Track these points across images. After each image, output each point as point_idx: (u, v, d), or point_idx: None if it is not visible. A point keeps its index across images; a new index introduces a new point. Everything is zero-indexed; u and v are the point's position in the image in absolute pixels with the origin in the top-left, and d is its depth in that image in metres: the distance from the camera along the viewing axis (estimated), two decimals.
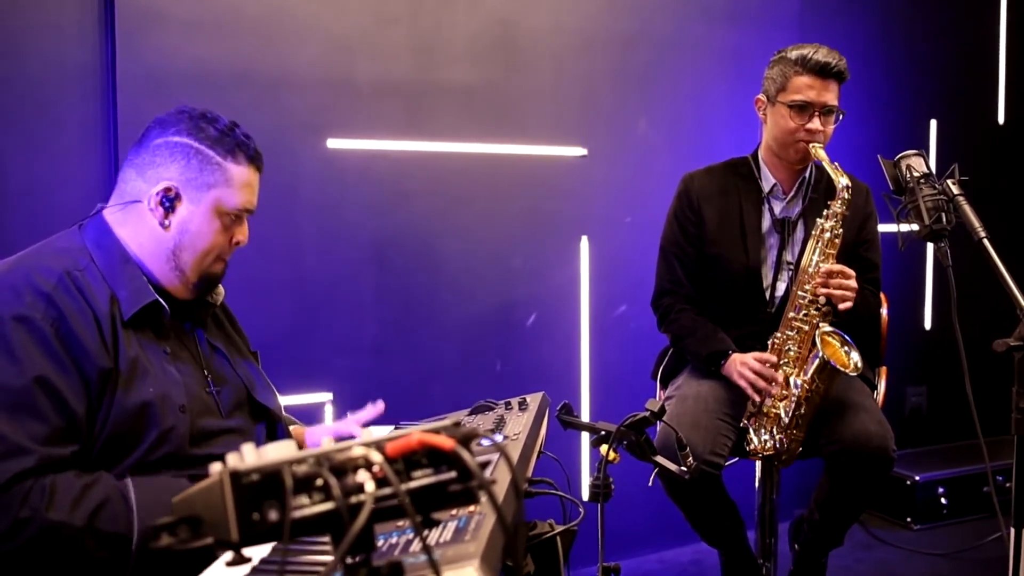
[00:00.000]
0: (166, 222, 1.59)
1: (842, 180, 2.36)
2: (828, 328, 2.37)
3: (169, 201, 1.58)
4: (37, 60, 2.46)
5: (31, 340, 1.42)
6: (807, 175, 2.58)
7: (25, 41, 2.44)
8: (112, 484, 1.43)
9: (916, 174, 2.16)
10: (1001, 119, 4.44)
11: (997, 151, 4.41)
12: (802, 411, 2.36)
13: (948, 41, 4.26)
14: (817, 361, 2.32)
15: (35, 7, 2.45)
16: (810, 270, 2.37)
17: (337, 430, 1.92)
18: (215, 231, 1.62)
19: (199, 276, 1.64)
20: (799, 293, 2.38)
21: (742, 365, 2.39)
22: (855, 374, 2.33)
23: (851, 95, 3.91)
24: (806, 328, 2.38)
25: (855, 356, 2.34)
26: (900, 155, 2.24)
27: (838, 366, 2.30)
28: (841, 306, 2.33)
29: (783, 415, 2.37)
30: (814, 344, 2.35)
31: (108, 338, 1.49)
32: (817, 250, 2.38)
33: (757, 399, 2.39)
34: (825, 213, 2.39)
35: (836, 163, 2.40)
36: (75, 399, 1.43)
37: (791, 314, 2.40)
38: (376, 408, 1.91)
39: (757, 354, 2.40)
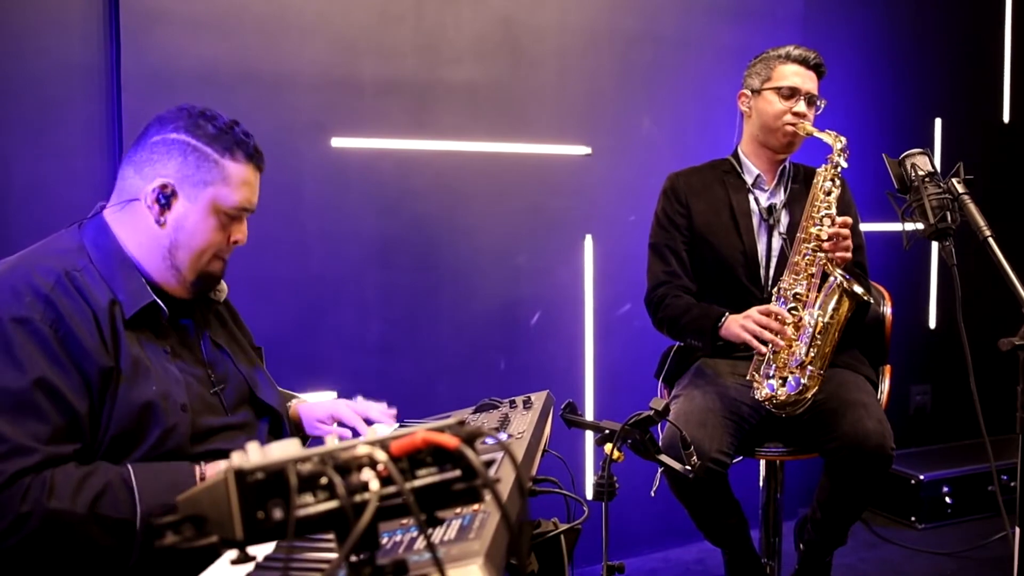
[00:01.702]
0: (162, 219, 1.58)
1: (841, 138, 2.49)
2: (838, 269, 2.42)
3: (165, 198, 1.57)
4: (41, 59, 2.46)
5: (31, 341, 1.42)
6: (787, 166, 2.68)
7: (29, 40, 2.45)
8: (112, 470, 1.43)
9: (921, 173, 2.17)
10: (1006, 118, 4.44)
11: (1002, 150, 4.41)
12: (818, 344, 2.37)
13: (953, 40, 4.25)
14: (834, 285, 2.36)
15: (39, 6, 2.46)
16: (814, 215, 2.45)
17: (336, 411, 1.89)
18: (211, 229, 1.60)
19: (196, 275, 1.62)
20: (802, 236, 2.45)
21: (744, 318, 2.39)
22: (867, 299, 2.37)
23: (856, 93, 3.93)
24: (812, 270, 2.42)
25: (859, 287, 2.38)
26: (905, 154, 2.25)
27: (853, 291, 2.34)
28: (839, 254, 2.38)
29: (800, 352, 2.37)
30: (823, 281, 2.40)
31: (108, 337, 1.49)
32: (818, 197, 2.47)
33: (763, 350, 2.39)
34: (823, 166, 2.50)
35: (828, 129, 2.51)
36: (76, 399, 1.43)
37: (796, 259, 2.45)
38: (389, 413, 1.90)
39: (761, 307, 2.41)
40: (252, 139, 1.64)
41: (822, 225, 2.42)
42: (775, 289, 2.48)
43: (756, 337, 2.36)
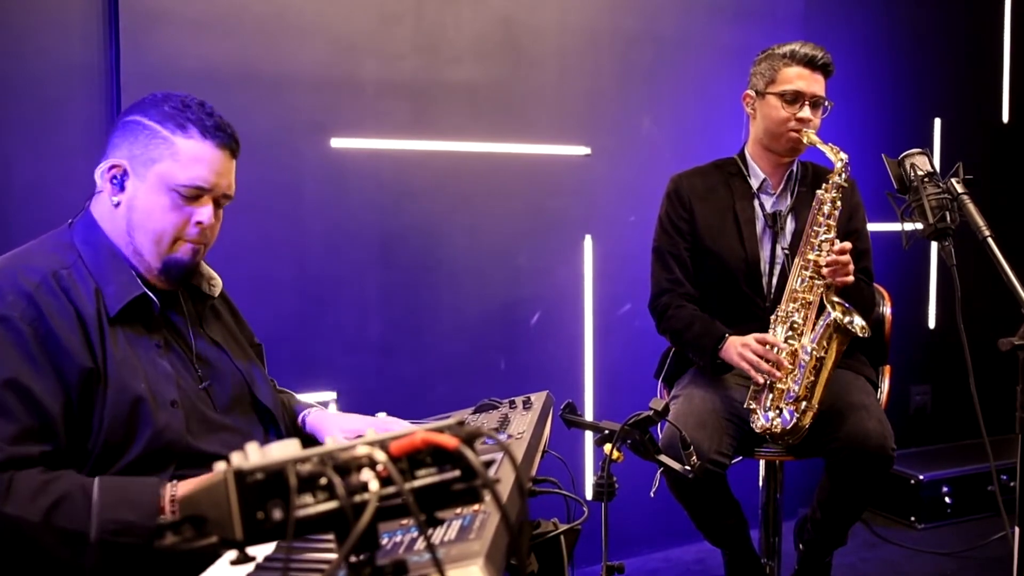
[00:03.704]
0: (115, 199, 1.57)
1: (842, 155, 2.41)
2: (835, 298, 2.38)
3: (118, 179, 1.57)
4: (41, 59, 2.46)
5: (8, 340, 1.41)
6: (794, 169, 2.63)
7: (29, 40, 2.45)
8: (75, 480, 1.40)
9: (920, 173, 2.17)
10: (1006, 118, 4.44)
11: (1001, 150, 4.41)
12: (812, 379, 2.35)
13: (953, 40, 4.26)
14: (829, 320, 2.32)
15: (39, 6, 2.46)
16: (812, 240, 2.40)
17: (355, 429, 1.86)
18: (163, 208, 1.56)
19: (161, 261, 1.59)
20: (800, 263, 2.41)
21: (743, 347, 2.38)
22: (864, 335, 2.33)
23: (855, 93, 3.92)
24: (810, 298, 2.39)
25: (859, 320, 2.35)
26: (904, 154, 2.25)
27: (849, 328, 2.30)
28: (839, 279, 2.35)
29: (792, 386, 2.36)
30: (820, 310, 2.36)
31: (94, 337, 1.48)
32: (818, 220, 2.42)
33: (761, 380, 2.38)
34: (824, 186, 2.43)
35: (831, 143, 2.44)
36: (50, 400, 1.41)
37: (794, 285, 2.42)
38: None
39: (760, 335, 2.39)
40: (214, 118, 1.60)
41: (821, 251, 2.38)
42: (772, 316, 2.45)
43: (753, 366, 2.36)
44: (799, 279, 2.41)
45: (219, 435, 1.60)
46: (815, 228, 2.41)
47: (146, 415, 1.49)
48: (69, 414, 1.44)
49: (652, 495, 2.10)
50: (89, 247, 1.57)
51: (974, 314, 2.46)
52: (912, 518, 3.67)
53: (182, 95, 1.61)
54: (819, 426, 2.39)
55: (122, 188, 1.57)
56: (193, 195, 1.57)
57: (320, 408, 1.94)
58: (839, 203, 2.41)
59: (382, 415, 1.92)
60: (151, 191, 1.56)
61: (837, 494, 2.41)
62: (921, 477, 3.66)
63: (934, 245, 4.05)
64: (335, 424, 1.84)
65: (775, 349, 2.36)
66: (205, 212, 1.59)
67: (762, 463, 2.71)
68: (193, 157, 1.56)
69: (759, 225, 2.58)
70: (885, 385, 2.68)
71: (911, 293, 4.21)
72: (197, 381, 1.63)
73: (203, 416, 1.60)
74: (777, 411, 2.37)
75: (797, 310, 2.40)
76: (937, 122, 4.21)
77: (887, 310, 2.77)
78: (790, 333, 2.40)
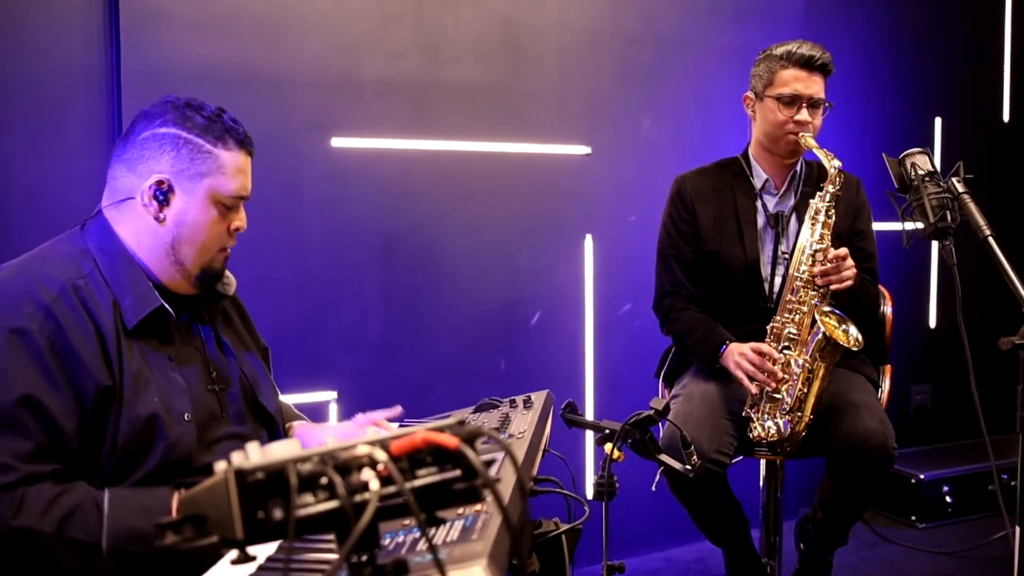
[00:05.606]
0: (161, 216, 1.55)
1: (835, 163, 2.40)
2: (826, 308, 2.38)
3: (163, 194, 1.55)
4: (41, 59, 2.46)
5: (24, 353, 1.39)
6: (798, 169, 2.62)
7: (29, 40, 2.45)
8: (87, 492, 1.40)
9: (921, 172, 2.17)
10: (1006, 117, 4.44)
11: (1002, 149, 4.41)
12: (805, 391, 2.35)
13: (953, 39, 4.26)
14: (818, 338, 2.32)
15: (39, 6, 2.46)
16: (806, 251, 2.40)
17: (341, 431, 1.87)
18: (212, 221, 1.58)
19: (201, 269, 1.60)
20: (795, 275, 2.41)
21: (740, 356, 2.39)
22: (857, 348, 2.33)
23: (856, 92, 3.93)
24: (804, 309, 2.39)
25: (854, 331, 2.35)
26: (905, 153, 2.25)
27: (839, 342, 2.30)
28: (835, 287, 2.35)
29: (786, 398, 2.36)
30: (813, 323, 2.36)
31: (112, 352, 1.46)
32: (812, 231, 2.41)
33: (755, 391, 2.39)
34: (818, 195, 2.43)
35: (825, 148, 2.43)
36: (64, 416, 1.40)
37: (788, 296, 2.42)
38: (393, 410, 1.87)
39: (756, 345, 2.40)
40: (240, 125, 1.62)
41: (814, 261, 2.38)
42: (768, 327, 2.44)
43: (748, 375, 2.37)
44: (793, 290, 2.41)
45: (226, 444, 1.60)
46: (807, 238, 2.41)
47: (161, 431, 1.48)
48: (83, 430, 1.43)
49: (654, 489, 2.10)
50: (105, 255, 1.55)
51: (974, 313, 2.46)
52: (913, 517, 3.67)
53: (199, 102, 1.60)
54: (820, 425, 2.39)
55: (166, 203, 1.56)
56: (235, 205, 1.61)
57: (305, 421, 1.94)
58: (832, 212, 2.41)
59: (360, 416, 1.91)
60: (200, 205, 1.57)
61: (838, 494, 2.40)
62: (922, 476, 3.66)
63: (935, 244, 4.05)
64: (317, 438, 1.83)
65: (770, 359, 2.36)
66: (242, 217, 1.64)
67: (763, 462, 2.71)
68: (236, 168, 1.59)
69: (760, 226, 2.58)
70: (886, 384, 2.68)
71: (912, 292, 4.21)
72: (208, 386, 1.63)
73: (214, 427, 1.59)
74: (773, 421, 2.38)
75: (791, 321, 2.40)
76: (938, 121, 4.21)
77: (888, 309, 2.77)
78: (786, 344, 2.40)
